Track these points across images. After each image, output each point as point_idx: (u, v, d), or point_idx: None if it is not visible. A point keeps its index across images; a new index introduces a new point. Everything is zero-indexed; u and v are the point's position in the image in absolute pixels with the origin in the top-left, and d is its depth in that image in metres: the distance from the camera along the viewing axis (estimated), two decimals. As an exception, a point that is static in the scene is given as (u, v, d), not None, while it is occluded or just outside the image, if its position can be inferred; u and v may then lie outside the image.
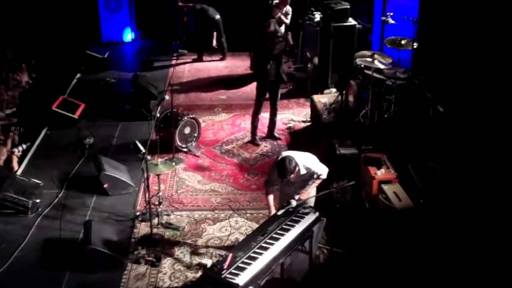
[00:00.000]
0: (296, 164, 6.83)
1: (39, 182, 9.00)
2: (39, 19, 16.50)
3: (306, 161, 7.02)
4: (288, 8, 13.15)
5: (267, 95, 10.32)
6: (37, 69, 14.37)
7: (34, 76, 13.98)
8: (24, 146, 10.56)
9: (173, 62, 14.87)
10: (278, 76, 10.00)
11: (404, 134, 9.40)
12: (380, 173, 8.06)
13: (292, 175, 6.83)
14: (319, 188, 7.21)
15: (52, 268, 7.44)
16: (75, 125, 11.26)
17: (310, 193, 7.09)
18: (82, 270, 7.26)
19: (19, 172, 9.50)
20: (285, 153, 7.03)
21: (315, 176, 7.06)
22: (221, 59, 14.94)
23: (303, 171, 6.96)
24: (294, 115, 11.68)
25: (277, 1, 13.18)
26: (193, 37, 15.47)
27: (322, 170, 7.10)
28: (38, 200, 8.63)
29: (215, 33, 14.83)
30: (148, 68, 14.39)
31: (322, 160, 9.38)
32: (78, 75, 14.17)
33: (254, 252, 6.02)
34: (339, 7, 11.60)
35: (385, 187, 7.86)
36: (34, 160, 10.15)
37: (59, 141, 10.74)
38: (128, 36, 16.55)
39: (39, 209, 8.59)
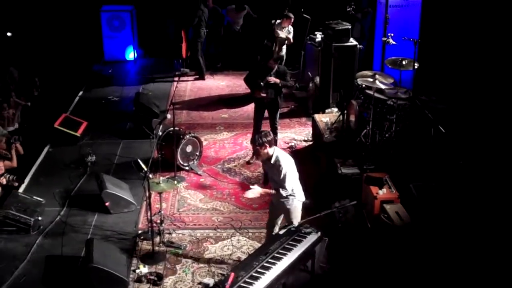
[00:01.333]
0: (267, 145, 6.97)
1: (41, 199, 9.02)
2: (42, 36, 16.62)
3: (282, 156, 7.11)
4: (290, 28, 13.24)
5: (266, 114, 10.35)
6: (40, 86, 14.42)
7: (36, 94, 14.02)
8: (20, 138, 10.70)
9: (175, 80, 14.93)
10: (275, 96, 10.04)
11: (406, 154, 9.43)
12: (382, 193, 8.08)
13: (260, 150, 7.02)
14: (321, 208, 7.22)
15: (54, 286, 7.45)
16: (77, 143, 11.30)
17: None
18: (83, 288, 7.25)
19: (21, 190, 9.51)
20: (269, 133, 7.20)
21: (280, 175, 7.04)
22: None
23: (272, 159, 7.06)
24: (295, 134, 11.73)
25: (279, 20, 13.26)
26: (195, 56, 15.53)
27: (287, 182, 7.06)
28: (40, 218, 8.64)
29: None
30: (150, 86, 14.45)
31: (323, 179, 9.49)
32: (81, 93, 14.23)
33: (256, 272, 6.03)
34: (340, 27, 11.68)
35: (387, 206, 7.87)
36: (36, 177, 10.16)
37: (61, 158, 10.77)
38: (131, 54, 16.64)
39: (41, 227, 8.60)
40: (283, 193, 7.09)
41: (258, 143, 7.02)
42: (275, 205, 7.41)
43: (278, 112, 10.40)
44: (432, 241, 7.50)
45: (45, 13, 16.87)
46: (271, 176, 7.31)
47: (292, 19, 13.12)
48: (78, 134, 11.41)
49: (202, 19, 14.70)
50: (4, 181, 9.32)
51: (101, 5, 16.49)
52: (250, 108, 12.88)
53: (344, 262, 7.61)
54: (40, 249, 8.16)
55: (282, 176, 7.04)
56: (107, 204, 8.87)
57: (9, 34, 16.18)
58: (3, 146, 10.53)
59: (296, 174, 7.27)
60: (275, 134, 10.48)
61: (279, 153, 7.14)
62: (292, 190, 7.15)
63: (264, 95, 9.87)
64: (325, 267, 7.45)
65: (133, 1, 16.80)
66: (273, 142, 7.15)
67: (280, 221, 7.58)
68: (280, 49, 13.11)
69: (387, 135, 9.69)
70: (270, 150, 7.06)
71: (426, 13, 12.60)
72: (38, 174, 10.28)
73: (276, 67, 9.98)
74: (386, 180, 8.38)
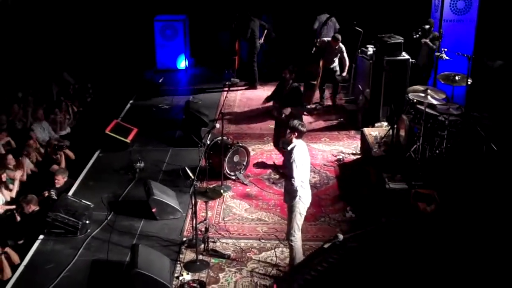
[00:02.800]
0: (296, 133, 7.41)
1: (90, 203, 9.16)
2: (97, 44, 16.97)
3: (299, 147, 7.40)
4: (341, 46, 13.13)
5: None
6: (93, 93, 14.72)
7: (89, 100, 14.31)
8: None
9: (225, 90, 15.02)
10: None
11: (456, 171, 9.23)
12: (430, 210, 7.92)
13: (289, 133, 7.48)
14: (367, 223, 7.12)
15: (98, 289, 7.53)
16: (127, 149, 11.45)
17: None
18: (127, 293, 7.32)
19: (70, 193, 9.67)
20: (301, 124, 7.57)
21: (289, 161, 7.34)
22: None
23: (290, 146, 7.42)
24: (344, 147, 11.63)
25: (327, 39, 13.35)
26: (245, 66, 15.61)
27: (294, 172, 7.29)
28: (87, 221, 8.77)
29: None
30: (200, 95, 14.57)
31: (370, 193, 9.37)
32: (132, 100, 14.45)
33: (299, 285, 5.97)
34: (392, 41, 11.56)
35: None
36: (86, 181, 10.33)
37: (111, 164, 10.94)
38: (182, 63, 16.83)
39: (88, 230, 8.73)
40: (292, 182, 7.28)
41: (291, 126, 7.41)
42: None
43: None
44: (481, 258, 7.31)
45: (100, 21, 17.24)
46: (284, 162, 7.65)
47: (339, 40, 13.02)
48: (128, 140, 11.57)
49: (255, 30, 14.80)
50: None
51: (155, 15, 16.74)
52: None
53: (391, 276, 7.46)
54: (87, 252, 8.27)
55: (289, 163, 7.29)
56: (153, 210, 8.94)
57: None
58: (50, 150, 10.76)
59: (307, 174, 7.47)
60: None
61: (298, 144, 7.42)
62: (301, 184, 7.33)
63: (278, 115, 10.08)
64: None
65: (186, 10, 17.01)
66: (301, 135, 7.49)
67: None
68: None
69: (437, 151, 9.52)
70: (294, 140, 7.39)
71: (481, 29, 12.40)
72: (87, 179, 10.45)
73: (291, 79, 10.08)
74: (435, 197, 8.22)
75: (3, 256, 7.96)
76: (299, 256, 7.54)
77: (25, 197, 9.05)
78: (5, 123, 11.74)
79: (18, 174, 9.98)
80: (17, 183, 9.87)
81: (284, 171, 7.50)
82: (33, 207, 8.96)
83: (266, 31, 15.32)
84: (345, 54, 13.15)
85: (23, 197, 9.11)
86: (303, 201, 7.42)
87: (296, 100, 10.10)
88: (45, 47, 16.81)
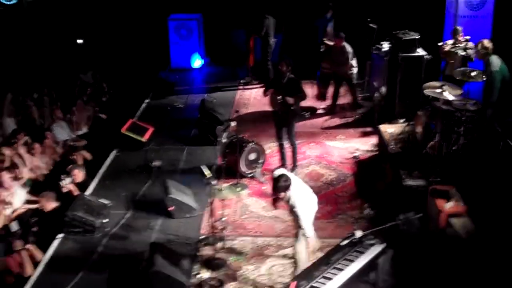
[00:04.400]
0: (283, 191, 7.00)
1: (107, 202, 9.20)
2: (112, 44, 17.05)
3: (294, 196, 7.04)
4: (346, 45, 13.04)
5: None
6: (108, 92, 14.79)
7: (105, 99, 14.38)
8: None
9: (240, 88, 15.04)
10: (285, 109, 9.94)
11: (473, 167, 9.17)
12: (449, 206, 7.87)
13: (279, 196, 7.08)
14: (385, 219, 7.09)
15: (117, 288, 7.56)
16: (143, 148, 11.49)
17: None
18: (145, 292, 7.34)
19: (88, 192, 9.73)
20: (285, 173, 7.22)
21: (295, 215, 7.08)
22: None
23: (289, 201, 7.06)
24: (360, 144, 11.59)
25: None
26: (259, 65, 15.61)
27: (302, 220, 7.03)
28: (105, 220, 8.83)
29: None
30: (215, 94, 14.60)
31: (387, 190, 9.34)
32: (148, 100, 14.49)
33: (317, 282, 5.99)
34: (407, 38, 11.49)
35: (453, 220, 7.66)
36: (103, 181, 10.39)
37: (128, 163, 11.00)
38: (197, 62, 16.85)
39: (106, 229, 8.78)
40: (303, 233, 7.08)
41: (276, 188, 7.06)
42: None
43: (292, 128, 10.24)
44: (502, 258, 7.26)
45: (114, 21, 17.32)
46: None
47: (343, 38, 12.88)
48: (144, 139, 11.61)
49: (270, 28, 14.82)
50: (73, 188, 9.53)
51: (169, 14, 16.77)
52: (314, 117, 12.88)
53: (408, 276, 7.44)
54: (105, 251, 8.32)
55: (296, 216, 7.07)
56: (170, 209, 8.97)
57: (80, 41, 16.66)
58: (70, 149, 10.83)
59: (311, 213, 7.24)
60: (294, 152, 10.40)
61: (292, 194, 7.07)
62: (308, 223, 7.11)
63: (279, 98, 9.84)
64: (388, 280, 7.31)
65: (200, 9, 17.03)
66: (289, 186, 7.04)
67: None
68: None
69: (454, 147, 9.47)
70: (287, 194, 7.04)
71: (497, 24, 12.30)
72: (104, 178, 10.51)
73: (288, 72, 9.94)
74: (453, 193, 8.17)
75: (25, 252, 8.02)
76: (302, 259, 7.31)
77: (44, 194, 9.11)
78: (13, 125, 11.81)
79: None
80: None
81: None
82: (52, 204, 9.02)
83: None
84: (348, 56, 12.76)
85: (42, 194, 9.18)
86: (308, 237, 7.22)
87: (296, 89, 9.98)
88: (61, 47, 16.94)
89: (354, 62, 12.88)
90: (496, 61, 9.84)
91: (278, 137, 10.42)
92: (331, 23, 15.08)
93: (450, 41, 11.62)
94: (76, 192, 9.42)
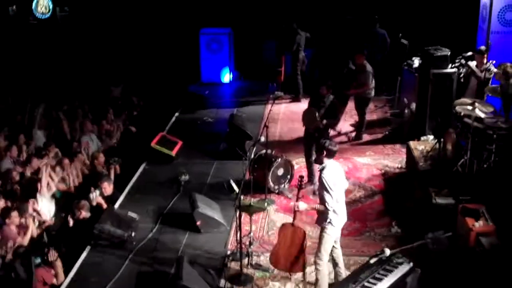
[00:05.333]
0: (325, 152, 7.35)
1: (135, 216, 9.26)
2: (144, 57, 17.23)
3: (329, 168, 7.29)
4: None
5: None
6: (139, 105, 14.93)
7: (135, 113, 14.52)
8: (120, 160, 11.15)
9: (269, 103, 15.04)
10: (319, 129, 9.99)
11: (505, 186, 9.03)
12: (478, 225, 7.76)
13: (320, 154, 7.47)
14: (413, 238, 7.01)
15: (144, 301, 7.59)
16: (172, 161, 11.55)
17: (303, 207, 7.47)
18: (171, 306, 7.35)
19: (116, 205, 9.80)
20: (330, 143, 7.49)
21: (320, 185, 7.30)
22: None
23: (320, 167, 7.43)
24: (389, 161, 11.50)
25: None
26: (290, 79, 15.62)
27: (326, 197, 7.14)
28: (133, 234, 8.86)
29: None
30: (245, 109, 14.64)
31: (416, 208, 9.23)
32: (177, 113, 14.59)
33: (345, 300, 5.92)
34: (439, 54, 11.41)
35: (483, 239, 7.54)
36: (132, 194, 10.46)
37: (156, 176, 11.06)
38: (227, 76, 16.94)
39: (134, 243, 8.82)
40: (326, 206, 7.14)
41: (321, 145, 7.38)
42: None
43: (313, 148, 10.19)
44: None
45: (146, 34, 17.51)
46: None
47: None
48: (173, 153, 11.68)
49: (300, 43, 14.86)
50: (102, 201, 9.62)
51: (200, 28, 16.88)
52: (343, 131, 12.83)
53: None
54: (132, 264, 8.36)
55: (320, 186, 7.24)
56: (198, 223, 8.99)
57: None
58: (101, 161, 10.93)
59: (340, 194, 7.30)
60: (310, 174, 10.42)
61: (328, 165, 7.32)
62: (333, 210, 7.16)
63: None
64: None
65: (231, 24, 17.13)
66: (332, 155, 7.38)
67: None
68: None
69: (485, 165, 9.34)
70: (325, 160, 7.33)
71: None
72: (133, 191, 10.57)
73: (329, 93, 10.03)
74: (483, 212, 8.05)
75: (59, 262, 8.09)
76: (323, 282, 7.34)
77: (78, 202, 9.22)
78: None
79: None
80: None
81: (318, 194, 7.39)
82: (84, 214, 9.12)
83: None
84: (369, 75, 12.25)
85: (76, 201, 9.29)
86: (334, 224, 7.25)
87: (334, 113, 10.12)
88: (93, 60, 17.17)
89: (373, 83, 12.41)
90: None
91: (308, 155, 10.40)
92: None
93: (472, 63, 11.35)
94: (105, 205, 9.50)
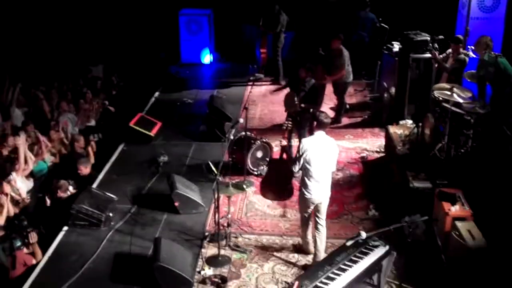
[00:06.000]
0: (314, 122, 7.68)
1: (114, 196, 9.22)
2: (122, 37, 17.06)
3: (311, 140, 7.60)
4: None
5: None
6: (118, 85, 14.82)
7: (114, 93, 14.41)
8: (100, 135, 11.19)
9: (249, 85, 15.01)
10: (301, 113, 10.13)
11: (481, 171, 9.13)
12: (455, 210, 7.85)
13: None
14: (390, 221, 7.06)
15: (121, 281, 7.58)
16: (150, 142, 11.51)
17: None
18: (149, 286, 7.35)
19: (94, 185, 9.75)
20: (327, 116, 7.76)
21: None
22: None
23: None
24: (368, 144, 11.56)
25: None
26: (270, 61, 15.59)
27: (297, 161, 7.54)
28: (111, 214, 8.84)
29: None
30: (225, 90, 14.59)
31: (394, 192, 9.31)
32: (157, 94, 14.52)
33: (321, 282, 5.98)
34: (418, 38, 11.44)
35: (459, 224, 7.64)
36: (110, 174, 10.40)
37: (135, 157, 11.01)
38: (207, 58, 16.86)
39: (112, 223, 8.80)
40: (292, 165, 7.67)
41: (314, 115, 7.72)
42: None
43: (304, 132, 10.12)
44: (506, 263, 7.24)
45: (126, 14, 17.32)
46: None
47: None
48: (152, 134, 11.64)
49: (283, 25, 14.82)
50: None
51: (180, 9, 16.76)
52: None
53: (412, 278, 7.43)
54: (110, 244, 8.34)
55: (297, 152, 7.62)
56: (176, 204, 8.98)
57: None
58: (81, 144, 10.85)
59: (321, 167, 7.53)
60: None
61: (316, 136, 7.59)
62: (301, 175, 7.64)
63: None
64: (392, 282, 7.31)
65: (211, 5, 17.02)
66: (323, 127, 7.60)
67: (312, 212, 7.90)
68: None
69: (462, 150, 9.43)
70: (316, 130, 7.60)
71: (509, 27, 12.23)
72: (111, 171, 10.52)
73: (308, 77, 10.12)
74: (460, 196, 8.14)
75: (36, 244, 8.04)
76: (307, 233, 7.94)
77: (58, 182, 9.20)
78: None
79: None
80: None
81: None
82: (62, 194, 9.09)
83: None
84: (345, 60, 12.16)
85: (55, 181, 9.25)
86: (305, 191, 7.60)
87: (314, 98, 10.16)
88: (71, 41, 16.95)
89: (350, 68, 12.35)
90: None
91: (288, 138, 10.43)
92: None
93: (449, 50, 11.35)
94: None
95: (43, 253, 8.09)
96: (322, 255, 7.68)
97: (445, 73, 11.01)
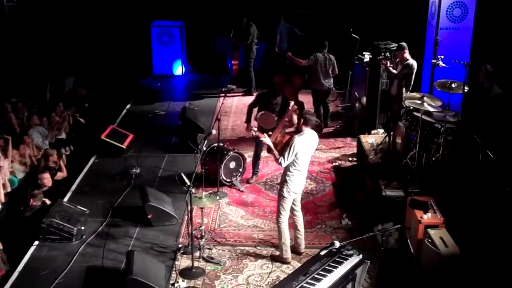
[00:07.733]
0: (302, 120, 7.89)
1: (85, 209, 9.12)
2: (94, 50, 16.95)
3: (302, 137, 7.75)
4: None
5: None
6: (89, 98, 14.68)
7: (86, 105, 14.28)
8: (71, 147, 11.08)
9: (221, 96, 15.01)
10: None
11: (452, 179, 9.23)
12: (427, 217, 7.89)
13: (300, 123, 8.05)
14: (363, 230, 7.10)
15: (93, 296, 7.48)
16: (122, 155, 11.42)
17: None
18: (122, 300, 7.27)
19: (65, 199, 9.63)
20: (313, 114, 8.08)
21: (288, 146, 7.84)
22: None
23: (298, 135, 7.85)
24: (340, 154, 11.61)
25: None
26: (242, 72, 15.62)
27: (287, 154, 7.68)
28: (83, 228, 8.73)
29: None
30: (197, 102, 14.57)
31: (366, 201, 9.36)
32: (128, 106, 14.43)
33: (295, 292, 5.95)
34: (389, 48, 11.56)
35: (431, 231, 7.68)
36: (81, 187, 10.29)
37: (107, 170, 10.91)
38: (179, 69, 16.83)
39: (84, 237, 8.69)
40: (280, 159, 7.71)
41: (303, 116, 7.86)
42: None
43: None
44: (478, 269, 7.30)
45: (97, 27, 17.24)
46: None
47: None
48: (124, 146, 11.55)
49: (254, 36, 14.88)
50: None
51: (152, 20, 16.73)
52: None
53: (386, 286, 7.45)
54: (82, 258, 8.23)
55: (288, 147, 7.69)
56: (149, 216, 8.91)
57: None
58: (54, 158, 10.71)
59: (303, 165, 7.82)
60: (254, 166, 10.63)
61: (305, 133, 7.81)
62: (291, 173, 7.77)
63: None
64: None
65: (183, 16, 17.02)
66: (310, 125, 7.86)
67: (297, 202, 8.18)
68: None
69: (433, 158, 9.52)
70: (303, 127, 7.84)
71: (478, 37, 12.41)
72: (83, 184, 10.41)
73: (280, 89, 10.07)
74: (431, 204, 8.20)
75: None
76: (285, 237, 7.98)
77: (33, 191, 9.17)
78: None
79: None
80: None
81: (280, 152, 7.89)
82: (36, 203, 9.01)
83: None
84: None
85: (31, 190, 9.21)
86: (290, 187, 7.83)
87: (285, 110, 9.71)
88: (41, 52, 16.79)
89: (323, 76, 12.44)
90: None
91: (258, 151, 10.39)
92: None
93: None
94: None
95: (13, 269, 7.95)
96: (302, 238, 8.24)
97: (395, 80, 11.09)
